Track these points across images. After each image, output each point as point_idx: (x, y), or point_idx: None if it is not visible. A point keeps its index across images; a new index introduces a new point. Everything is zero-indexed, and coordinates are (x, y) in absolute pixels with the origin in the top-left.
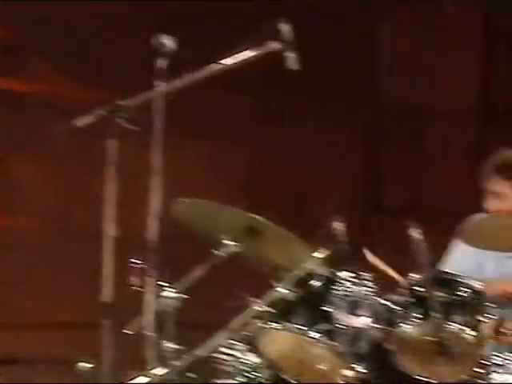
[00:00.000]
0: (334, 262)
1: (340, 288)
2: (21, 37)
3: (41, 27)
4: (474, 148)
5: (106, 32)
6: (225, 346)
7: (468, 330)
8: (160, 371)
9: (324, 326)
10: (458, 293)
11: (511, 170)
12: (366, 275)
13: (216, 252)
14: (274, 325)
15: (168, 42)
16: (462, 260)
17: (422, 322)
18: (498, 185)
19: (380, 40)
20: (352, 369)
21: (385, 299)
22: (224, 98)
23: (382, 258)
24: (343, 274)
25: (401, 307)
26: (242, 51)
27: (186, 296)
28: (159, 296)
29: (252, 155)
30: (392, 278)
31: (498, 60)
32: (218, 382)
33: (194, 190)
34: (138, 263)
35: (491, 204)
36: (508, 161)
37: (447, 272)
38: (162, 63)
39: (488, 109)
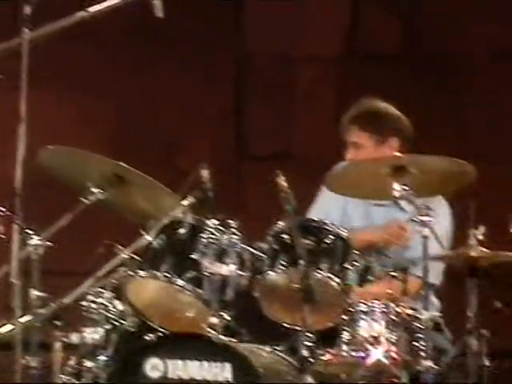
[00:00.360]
0: (201, 209)
1: (207, 236)
2: None
3: None
4: (338, 96)
5: None
6: (91, 294)
7: (334, 278)
8: (26, 319)
9: (191, 274)
10: (325, 240)
11: (368, 121)
12: (233, 223)
13: (83, 199)
14: (141, 272)
15: None
16: (329, 207)
17: (288, 269)
18: (355, 135)
19: None
20: (218, 316)
21: (251, 247)
22: (89, 44)
23: (252, 205)
24: (210, 222)
25: (267, 255)
26: None
27: (51, 243)
28: (25, 244)
29: (119, 104)
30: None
31: (362, 9)
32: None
33: (60, 137)
34: (3, 211)
35: (350, 154)
36: (365, 111)
37: (314, 219)
38: (27, 10)
39: (351, 58)
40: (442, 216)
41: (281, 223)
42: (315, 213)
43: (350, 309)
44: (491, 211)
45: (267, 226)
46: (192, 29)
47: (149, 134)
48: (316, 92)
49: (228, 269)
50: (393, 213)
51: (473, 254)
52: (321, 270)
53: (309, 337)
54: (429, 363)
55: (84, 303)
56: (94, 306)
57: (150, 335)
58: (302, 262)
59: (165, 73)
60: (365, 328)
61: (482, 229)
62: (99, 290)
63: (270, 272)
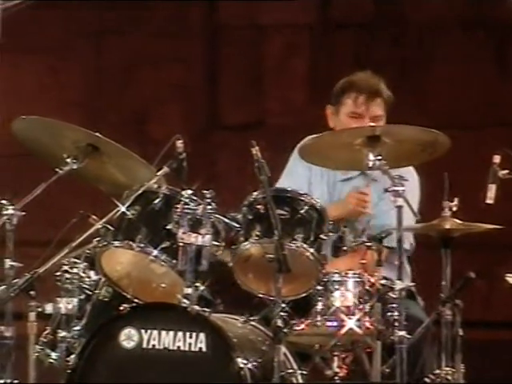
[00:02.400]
0: (176, 180)
1: (181, 206)
2: None
3: None
4: (310, 65)
5: None
6: (66, 264)
7: (309, 248)
8: (1, 289)
9: (165, 244)
10: (299, 210)
11: (386, 95)
12: (207, 193)
13: (57, 170)
14: (116, 243)
15: None
16: (299, 177)
17: (263, 239)
18: (380, 108)
19: None
20: (193, 286)
21: (226, 217)
22: (55, 9)
23: (224, 175)
24: (185, 192)
25: (242, 225)
26: None
27: (26, 213)
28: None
29: (88, 70)
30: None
31: None
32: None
33: (30, 107)
34: None
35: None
36: (379, 85)
37: (288, 189)
38: None
39: (323, 27)
40: (412, 186)
41: (255, 193)
42: (287, 181)
43: (324, 279)
44: (464, 182)
45: (239, 195)
46: None
47: (118, 101)
48: (288, 61)
49: (202, 239)
50: (361, 186)
51: (447, 225)
52: (295, 240)
53: (283, 307)
54: (402, 333)
55: (58, 273)
56: (68, 276)
57: (125, 305)
58: (276, 232)
59: (136, 40)
60: (338, 298)
61: (455, 200)
62: (74, 260)
63: (244, 242)
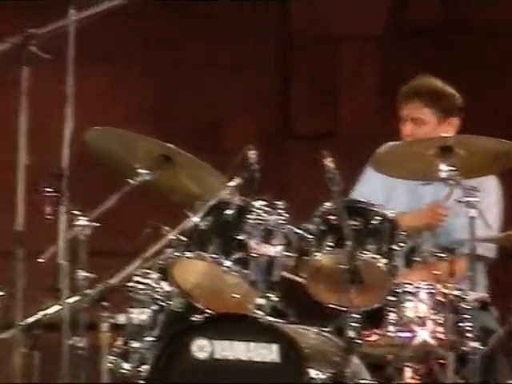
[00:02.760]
0: (248, 190)
1: (253, 216)
2: None
3: None
4: (382, 75)
5: None
6: (138, 275)
7: (380, 259)
8: (73, 299)
9: (237, 255)
10: (371, 221)
11: (432, 98)
12: (280, 203)
13: (129, 180)
14: (188, 253)
15: None
16: (374, 187)
17: (335, 250)
18: (419, 111)
19: None
20: (265, 297)
21: (298, 227)
22: (131, 22)
23: (296, 185)
24: (257, 203)
25: (314, 235)
26: None
27: (98, 224)
28: (72, 224)
29: (159, 80)
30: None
31: None
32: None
33: (102, 117)
34: (50, 192)
35: (410, 129)
36: (428, 88)
37: (361, 200)
38: None
39: (397, 37)
40: (488, 194)
41: (327, 204)
42: (360, 193)
43: (397, 290)
44: None
45: (311, 206)
46: (236, 7)
47: (190, 110)
48: (360, 71)
49: (275, 250)
50: (442, 190)
51: None
52: (367, 250)
53: (355, 318)
54: (475, 344)
55: (131, 284)
56: (140, 286)
57: (197, 316)
58: (348, 242)
59: (210, 50)
60: (411, 309)
61: None
62: (146, 270)
63: (316, 253)
